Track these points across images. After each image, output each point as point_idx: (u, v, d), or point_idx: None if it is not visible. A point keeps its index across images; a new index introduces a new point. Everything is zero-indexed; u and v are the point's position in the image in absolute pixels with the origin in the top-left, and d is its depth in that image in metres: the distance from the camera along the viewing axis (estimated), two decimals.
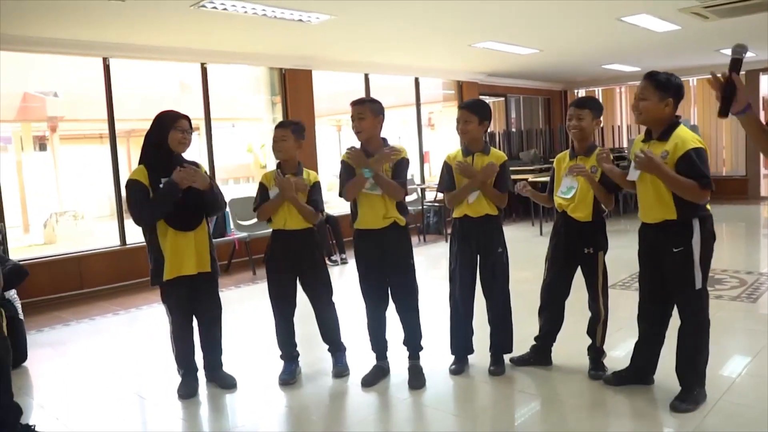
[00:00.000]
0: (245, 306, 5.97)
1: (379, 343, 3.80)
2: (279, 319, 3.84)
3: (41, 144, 14.38)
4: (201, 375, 3.79)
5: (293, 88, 8.52)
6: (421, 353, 3.75)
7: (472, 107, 3.64)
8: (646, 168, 3.01)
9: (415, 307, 3.71)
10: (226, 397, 3.66)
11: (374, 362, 3.82)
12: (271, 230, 3.82)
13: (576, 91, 14.25)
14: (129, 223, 7.13)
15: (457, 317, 3.81)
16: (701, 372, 3.19)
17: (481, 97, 11.90)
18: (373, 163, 3.49)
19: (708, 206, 3.11)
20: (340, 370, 3.86)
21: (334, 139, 15.39)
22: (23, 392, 3.80)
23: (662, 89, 3.01)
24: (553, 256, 3.71)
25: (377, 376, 3.73)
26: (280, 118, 8.62)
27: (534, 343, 3.84)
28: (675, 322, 3.22)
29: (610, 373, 3.51)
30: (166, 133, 3.46)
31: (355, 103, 3.59)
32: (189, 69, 8.40)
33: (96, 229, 12.88)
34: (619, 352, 3.88)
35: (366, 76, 9.72)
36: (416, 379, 3.64)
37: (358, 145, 3.66)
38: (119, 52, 6.73)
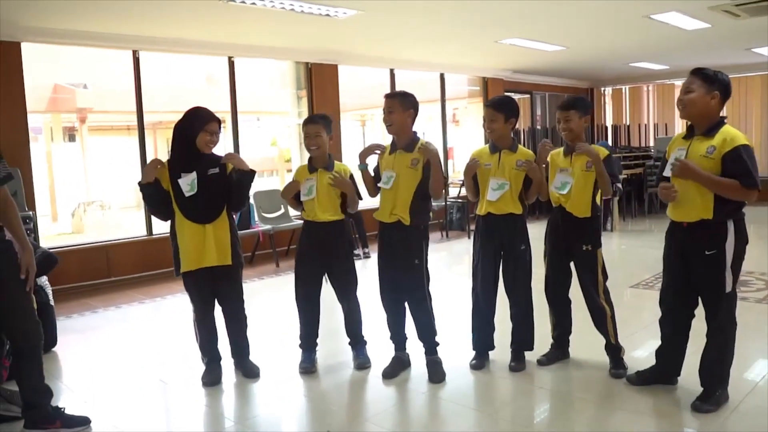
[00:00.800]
0: (268, 297, 6.05)
1: (398, 336, 3.84)
2: (303, 310, 3.89)
3: (70, 135, 14.65)
4: (225, 363, 3.85)
5: (319, 82, 8.58)
6: (438, 348, 3.77)
7: (498, 105, 3.65)
8: (684, 175, 2.96)
9: (424, 305, 3.68)
10: (250, 385, 3.72)
11: (393, 354, 3.85)
12: (296, 223, 3.88)
13: (603, 89, 14.12)
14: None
15: (478, 313, 3.83)
16: (725, 374, 3.17)
17: (505, 93, 11.87)
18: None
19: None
20: (363, 362, 3.90)
21: (358, 134, 15.46)
22: (53, 376, 3.90)
23: (709, 82, 2.98)
24: (551, 253, 3.74)
25: (397, 367, 3.77)
26: (305, 112, 8.69)
27: (552, 341, 3.86)
28: (699, 322, 3.21)
29: (633, 373, 3.50)
30: (195, 133, 3.54)
31: (387, 96, 3.63)
32: (216, 63, 8.51)
33: (122, 219, 13.12)
34: (642, 351, 3.87)
35: (392, 71, 9.74)
36: (435, 374, 3.67)
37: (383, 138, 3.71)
38: (149, 45, 6.83)
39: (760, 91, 12.22)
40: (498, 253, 3.74)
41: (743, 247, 3.06)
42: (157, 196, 3.54)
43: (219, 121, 3.61)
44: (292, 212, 8.13)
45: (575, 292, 3.76)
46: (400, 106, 3.56)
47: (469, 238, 8.97)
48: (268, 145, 15.31)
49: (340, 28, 6.86)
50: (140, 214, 7.42)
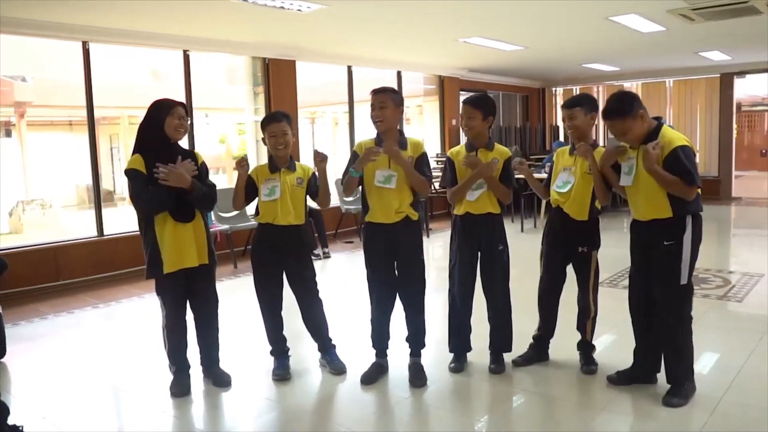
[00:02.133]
0: (228, 300, 5.76)
1: (382, 340, 3.73)
2: (267, 314, 3.75)
3: (7, 130, 13.95)
4: (194, 372, 3.67)
5: (276, 78, 8.38)
6: (422, 351, 3.71)
7: (476, 102, 3.59)
8: (650, 162, 3.02)
9: (422, 305, 3.65)
10: (221, 395, 3.55)
11: (373, 359, 3.75)
12: (253, 223, 3.72)
13: (554, 89, 14.35)
14: (106, 212, 6.95)
15: (455, 315, 3.76)
16: (689, 366, 3.25)
17: (461, 92, 11.91)
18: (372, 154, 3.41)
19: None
20: (339, 367, 3.78)
21: (307, 132, 15.25)
22: (3, 389, 3.64)
23: (617, 112, 3.12)
24: (548, 254, 3.71)
25: (376, 373, 3.67)
26: (262, 108, 8.48)
27: (532, 341, 3.83)
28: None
29: (614, 373, 3.50)
30: (162, 120, 3.34)
31: (377, 92, 3.48)
32: (162, 57, 8.20)
33: (65, 218, 12.57)
34: (611, 349, 3.90)
35: (349, 68, 9.62)
36: (418, 378, 3.58)
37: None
38: (100, 36, 6.50)
39: (704, 94, 12.64)
40: (475, 253, 3.68)
41: (698, 242, 3.19)
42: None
43: (185, 106, 3.44)
44: (250, 211, 7.91)
45: (564, 296, 3.74)
46: (393, 102, 3.46)
47: (428, 237, 8.94)
48: (216, 143, 14.95)
49: (300, 23, 6.69)
50: (86, 213, 7.06)
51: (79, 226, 10.60)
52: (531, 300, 3.84)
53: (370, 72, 10.51)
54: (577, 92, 14.21)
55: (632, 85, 13.52)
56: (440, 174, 3.93)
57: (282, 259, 3.65)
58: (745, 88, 16.11)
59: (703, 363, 3.68)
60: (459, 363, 3.76)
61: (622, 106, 3.10)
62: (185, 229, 3.38)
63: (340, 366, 3.78)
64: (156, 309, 3.59)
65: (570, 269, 3.69)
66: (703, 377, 3.41)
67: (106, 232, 6.78)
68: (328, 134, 16.27)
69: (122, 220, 7.08)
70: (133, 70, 14.46)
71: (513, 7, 6.34)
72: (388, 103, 3.44)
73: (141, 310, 5.53)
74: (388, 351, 3.77)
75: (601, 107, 3.35)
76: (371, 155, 3.38)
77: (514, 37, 8.16)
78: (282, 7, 5.85)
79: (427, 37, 8.03)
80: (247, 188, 3.62)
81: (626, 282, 5.71)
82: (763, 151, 20.03)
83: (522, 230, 9.07)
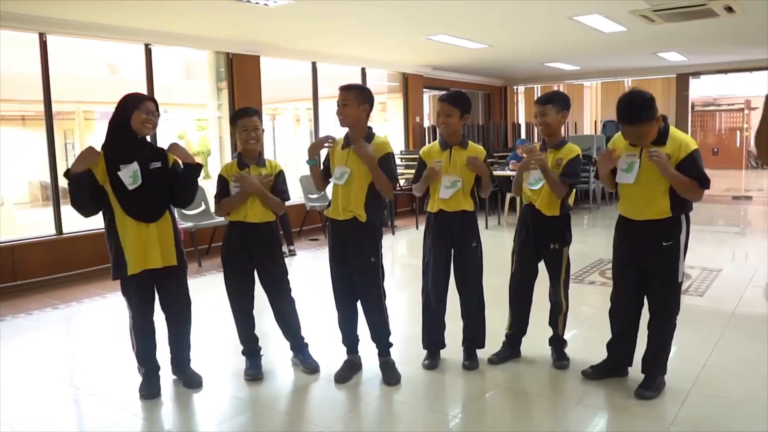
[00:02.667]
0: (195, 298, 5.70)
1: (349, 338, 3.72)
2: (239, 314, 3.70)
3: None
4: (163, 373, 3.58)
5: (240, 73, 8.26)
6: (391, 349, 3.69)
7: (454, 99, 3.58)
8: (664, 167, 3.00)
9: (379, 305, 3.58)
10: (192, 396, 3.47)
11: (345, 357, 3.73)
12: (223, 221, 3.65)
13: (516, 87, 14.52)
14: (65, 211, 6.74)
15: (429, 312, 3.76)
16: (666, 361, 3.34)
17: (424, 89, 11.96)
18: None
19: None
20: (312, 366, 3.74)
21: (268, 129, 15.09)
22: None
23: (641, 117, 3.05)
24: (520, 250, 3.73)
25: (349, 371, 3.65)
26: (225, 104, 8.35)
27: (505, 339, 3.85)
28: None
29: (588, 368, 3.55)
30: (129, 114, 3.22)
31: (343, 89, 3.47)
32: (119, 51, 7.99)
33: (17, 216, 12.17)
34: (583, 343, 3.97)
35: (314, 64, 9.55)
36: (390, 376, 3.57)
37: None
38: (58, 28, 6.30)
39: (661, 93, 12.96)
40: (449, 250, 3.68)
41: (688, 239, 3.26)
42: (87, 188, 3.17)
43: (155, 102, 3.32)
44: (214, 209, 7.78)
45: (536, 291, 3.78)
46: (356, 100, 3.43)
47: (393, 234, 8.94)
48: (176, 138, 14.68)
49: (266, 19, 6.61)
50: (40, 211, 6.84)
51: (33, 224, 10.27)
52: (501, 296, 3.88)
53: (334, 68, 10.46)
54: (539, 91, 14.43)
55: (592, 84, 13.78)
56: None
57: (254, 257, 3.60)
58: (698, 89, 16.59)
59: (671, 356, 3.76)
60: (432, 360, 3.76)
61: (651, 112, 3.02)
62: (148, 230, 3.28)
63: (313, 365, 3.75)
64: (119, 309, 3.51)
65: (541, 265, 3.73)
66: (671, 370, 3.48)
67: (65, 230, 6.58)
68: (289, 131, 16.13)
69: (79, 218, 6.88)
70: (89, 64, 14.08)
71: (479, 6, 6.39)
72: (350, 100, 3.42)
73: (103, 310, 5.38)
74: (359, 347, 3.75)
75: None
76: (323, 142, 3.54)
77: (479, 35, 8.22)
78: (248, 1, 5.76)
79: (393, 34, 8.03)
80: (223, 187, 3.55)
81: (591, 278, 5.89)
82: (715, 149, 20.68)
83: (486, 227, 9.13)
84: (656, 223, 3.17)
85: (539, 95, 14.09)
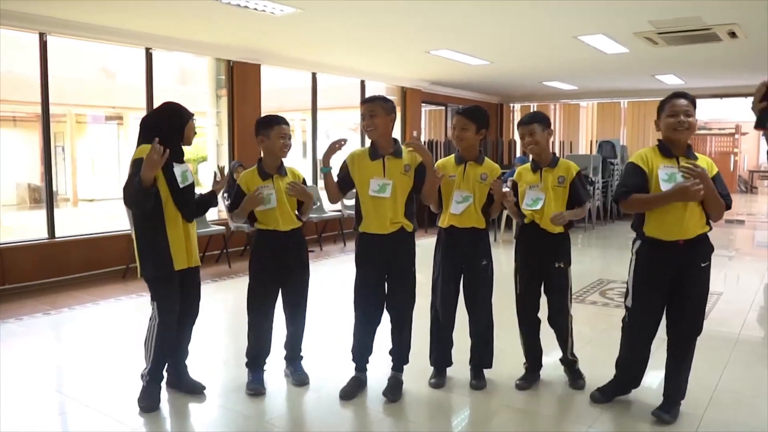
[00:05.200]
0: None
1: (363, 354, 3.62)
2: (259, 325, 3.59)
3: None
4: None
5: (240, 81, 8.18)
6: (405, 367, 3.62)
7: (470, 114, 3.53)
8: (705, 181, 2.88)
9: (410, 320, 3.56)
10: (191, 409, 3.35)
11: (351, 373, 3.64)
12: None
13: (512, 105, 14.55)
14: (58, 213, 6.61)
15: (438, 328, 3.68)
16: (686, 385, 3.26)
17: (422, 104, 11.94)
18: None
19: None
20: (302, 378, 3.68)
21: None
22: None
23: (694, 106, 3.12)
24: (523, 269, 3.64)
25: (356, 388, 3.56)
26: (224, 112, 8.27)
27: (525, 364, 3.72)
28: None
29: (595, 391, 3.47)
30: (184, 123, 3.30)
31: (366, 101, 3.43)
32: (115, 54, 7.91)
33: (5, 218, 11.99)
34: (588, 365, 3.85)
35: (314, 74, 9.50)
36: (393, 392, 3.49)
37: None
38: (59, 28, 6.20)
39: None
40: (459, 267, 3.61)
41: None
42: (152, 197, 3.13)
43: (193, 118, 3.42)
44: (210, 217, 7.67)
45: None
46: (383, 110, 3.38)
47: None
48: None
49: (269, 27, 6.56)
50: (27, 213, 6.70)
51: (20, 227, 10.08)
52: (506, 315, 3.79)
53: (332, 80, 10.43)
54: (535, 108, 14.45)
55: (588, 105, 13.84)
56: None
57: (285, 265, 3.55)
58: None
59: None
60: (439, 378, 3.67)
61: None
62: (188, 228, 3.33)
63: (303, 377, 3.68)
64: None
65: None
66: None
67: (57, 234, 6.43)
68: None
69: (73, 222, 6.70)
70: (82, 67, 13.93)
71: (485, 21, 6.38)
72: (378, 111, 3.37)
73: (95, 317, 5.24)
74: (368, 366, 3.66)
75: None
76: (337, 146, 3.41)
77: (481, 51, 8.21)
78: (255, 9, 5.71)
79: (394, 47, 8.00)
80: (239, 198, 3.49)
81: (592, 297, 5.83)
82: None
83: (495, 239, 9.06)
84: (696, 242, 3.06)
85: (538, 113, 13.99)
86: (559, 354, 3.69)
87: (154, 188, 3.10)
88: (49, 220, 6.37)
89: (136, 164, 3.09)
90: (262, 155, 3.55)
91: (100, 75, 15.79)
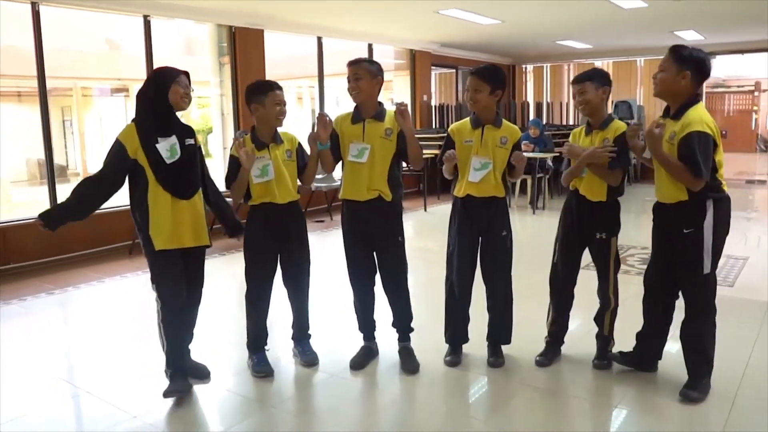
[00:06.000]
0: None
1: (367, 323, 3.54)
2: (257, 303, 3.42)
3: None
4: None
5: (243, 48, 7.90)
6: (411, 335, 3.52)
7: (483, 74, 3.29)
8: (648, 143, 2.91)
9: (405, 287, 3.47)
10: (197, 395, 3.20)
11: (361, 343, 3.58)
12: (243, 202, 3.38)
13: (524, 66, 14.15)
14: (60, 189, 6.43)
15: (453, 303, 3.50)
16: (710, 360, 3.06)
17: (432, 67, 11.59)
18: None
19: (724, 187, 2.98)
20: (311, 358, 3.53)
21: None
22: None
23: (680, 61, 2.90)
24: (563, 239, 3.45)
25: (366, 357, 3.51)
26: (228, 80, 8.02)
27: (547, 337, 3.57)
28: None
29: (617, 352, 3.35)
30: (166, 88, 2.99)
31: (351, 63, 3.30)
32: (118, 25, 7.68)
33: (15, 194, 11.92)
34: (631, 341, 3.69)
35: (319, 39, 9.19)
36: (409, 363, 3.42)
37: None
38: None
39: None
40: (476, 239, 3.41)
41: (724, 228, 2.98)
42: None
43: (188, 75, 3.09)
44: (221, 188, 7.48)
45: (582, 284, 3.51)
46: (369, 73, 3.27)
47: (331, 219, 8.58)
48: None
49: None
50: (38, 189, 6.54)
51: (30, 203, 9.98)
52: (533, 289, 3.61)
53: (339, 44, 10.11)
54: (548, 69, 14.06)
55: (603, 64, 13.40)
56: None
57: (282, 240, 3.36)
58: None
59: None
60: (455, 356, 3.50)
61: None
62: (180, 206, 3.02)
63: (312, 357, 3.54)
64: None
65: (587, 256, 3.43)
66: (713, 371, 3.22)
67: None
68: (291, 110, 15.77)
69: None
70: (86, 39, 13.68)
71: None
72: (363, 74, 3.25)
73: (101, 295, 5.11)
74: (375, 334, 3.58)
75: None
76: (325, 123, 3.28)
77: (493, 9, 7.86)
78: None
79: (402, 7, 7.67)
80: (234, 167, 3.24)
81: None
82: (724, 132, 20.35)
83: (510, 205, 8.80)
84: (679, 208, 2.94)
85: (549, 75, 13.69)
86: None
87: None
88: (52, 196, 6.20)
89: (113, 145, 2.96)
90: (255, 123, 3.33)
91: (104, 47, 15.51)
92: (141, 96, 3.05)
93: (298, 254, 3.45)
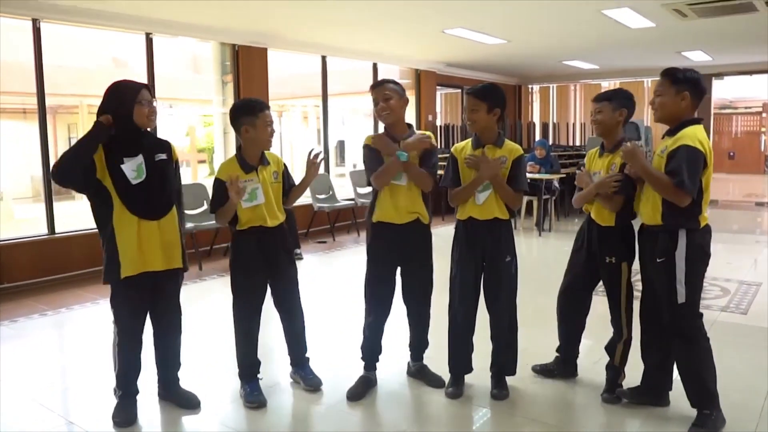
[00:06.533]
0: (192, 308, 5.30)
1: (374, 349, 3.42)
2: (246, 332, 3.28)
3: None
4: (146, 395, 3.18)
5: (246, 66, 7.84)
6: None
7: (479, 93, 3.18)
8: (627, 157, 2.89)
9: (429, 308, 3.43)
10: (184, 426, 3.06)
11: (360, 372, 3.45)
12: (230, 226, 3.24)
13: (530, 86, 14.08)
14: (58, 208, 6.34)
15: (455, 331, 3.35)
16: (711, 391, 2.90)
17: (437, 87, 11.53)
18: (405, 147, 3.16)
19: (703, 219, 2.86)
20: (315, 383, 3.40)
21: (275, 127, 14.71)
22: None
23: (677, 83, 2.84)
24: (571, 262, 3.38)
25: (365, 387, 3.37)
26: (230, 99, 7.95)
27: (557, 354, 3.50)
28: None
29: (626, 389, 3.18)
30: (129, 108, 2.85)
31: (376, 85, 3.24)
32: (125, 42, 7.63)
33: (18, 211, 11.85)
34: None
35: (323, 58, 9.14)
36: (433, 377, 3.44)
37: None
38: (52, 14, 5.89)
39: None
40: (479, 264, 3.28)
41: (699, 260, 2.85)
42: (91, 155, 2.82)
43: (149, 88, 2.95)
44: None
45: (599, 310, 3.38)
46: (397, 93, 3.23)
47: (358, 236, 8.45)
48: (183, 135, 14.31)
49: (274, 7, 6.21)
50: (36, 206, 6.44)
51: (33, 220, 9.91)
52: (540, 315, 3.46)
53: (345, 64, 10.07)
54: (554, 90, 13.98)
55: (609, 84, 13.32)
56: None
57: (271, 264, 3.24)
58: (715, 91, 16.12)
59: (724, 385, 3.31)
60: (457, 387, 3.34)
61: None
62: (150, 228, 2.90)
63: (316, 382, 3.40)
64: (111, 317, 3.07)
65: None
66: (728, 402, 3.05)
67: (58, 229, 6.18)
68: (297, 129, 15.73)
69: (79, 215, 6.45)
70: (93, 56, 13.71)
71: None
72: (393, 94, 3.20)
73: (95, 317, 4.98)
74: (378, 364, 3.45)
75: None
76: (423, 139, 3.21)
77: (500, 29, 7.79)
78: None
79: (409, 27, 7.61)
80: (221, 193, 3.09)
81: None
82: (731, 153, 20.21)
83: (515, 227, 8.67)
84: (653, 233, 2.88)
85: (555, 95, 13.64)
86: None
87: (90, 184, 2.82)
88: (49, 215, 6.11)
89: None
90: (242, 144, 3.19)
91: (110, 65, 15.56)
92: (101, 114, 2.87)
93: (288, 276, 3.33)
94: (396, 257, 3.29)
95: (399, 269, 3.33)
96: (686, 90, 2.82)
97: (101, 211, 2.89)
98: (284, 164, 3.36)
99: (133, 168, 2.85)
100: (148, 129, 2.98)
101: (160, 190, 2.94)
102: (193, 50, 13.20)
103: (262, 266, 3.21)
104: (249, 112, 3.12)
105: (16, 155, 13.16)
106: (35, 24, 5.90)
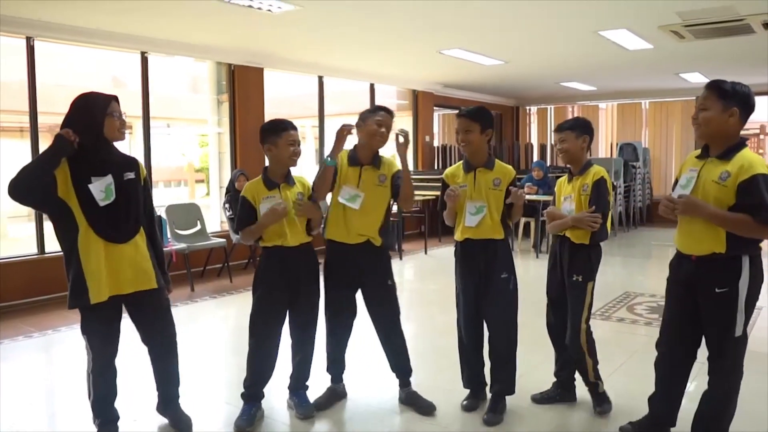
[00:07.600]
0: (183, 328, 5.18)
1: (339, 364, 3.48)
2: (261, 351, 3.23)
3: None
4: (123, 422, 3.08)
5: (242, 86, 7.81)
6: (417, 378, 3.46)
7: (473, 114, 3.20)
8: (688, 213, 2.59)
9: (400, 330, 3.40)
10: None
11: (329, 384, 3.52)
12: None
13: (528, 107, 14.09)
14: (48, 227, 6.25)
15: (463, 348, 3.40)
16: (726, 427, 2.77)
17: (435, 108, 11.52)
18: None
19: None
20: (307, 411, 3.31)
21: None
22: None
23: (725, 98, 2.57)
24: (548, 282, 3.39)
25: (332, 398, 3.44)
26: (226, 119, 7.91)
27: (555, 378, 3.47)
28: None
29: (627, 423, 3.08)
30: (99, 121, 2.74)
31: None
32: (123, 62, 7.61)
33: (12, 230, 11.77)
34: (621, 391, 3.48)
35: (320, 78, 9.13)
36: (423, 403, 3.35)
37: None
38: (46, 32, 5.87)
39: (680, 117, 12.49)
40: (477, 280, 3.27)
41: (758, 285, 2.66)
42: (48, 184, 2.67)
43: (118, 100, 2.84)
44: (210, 228, 7.30)
45: None
46: (391, 120, 3.28)
47: (401, 258, 8.42)
48: (178, 155, 14.28)
49: (270, 27, 6.18)
50: (30, 225, 6.35)
51: (27, 238, 9.82)
52: (537, 336, 3.41)
53: (343, 85, 10.06)
54: (552, 111, 13.98)
55: (607, 106, 13.34)
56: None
57: (293, 284, 3.19)
58: None
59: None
60: (472, 401, 3.37)
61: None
62: (118, 251, 2.79)
63: (309, 410, 3.32)
64: None
65: None
66: (729, 430, 2.95)
67: (47, 249, 6.09)
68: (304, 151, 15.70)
69: None
70: (92, 76, 13.72)
71: (501, 18, 5.97)
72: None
73: (82, 340, 4.85)
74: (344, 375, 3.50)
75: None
76: (346, 132, 3.19)
77: (497, 50, 7.78)
78: (251, 6, 5.33)
79: (405, 47, 7.59)
80: (248, 211, 3.15)
81: (619, 314, 5.36)
82: None
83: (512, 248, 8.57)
84: (709, 262, 2.61)
85: (553, 117, 13.69)
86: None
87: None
88: (39, 234, 6.03)
89: None
90: (267, 164, 3.21)
91: (109, 84, 15.58)
92: (70, 128, 2.71)
93: (308, 301, 3.28)
94: (351, 276, 3.29)
95: (360, 292, 3.34)
96: (735, 105, 2.57)
97: (65, 233, 2.76)
98: (311, 187, 3.30)
99: (101, 189, 2.74)
100: (118, 141, 2.87)
101: (128, 212, 2.83)
102: (191, 70, 13.23)
103: (285, 289, 3.19)
104: (272, 132, 3.14)
105: (12, 173, 13.08)
106: (29, 42, 5.87)
